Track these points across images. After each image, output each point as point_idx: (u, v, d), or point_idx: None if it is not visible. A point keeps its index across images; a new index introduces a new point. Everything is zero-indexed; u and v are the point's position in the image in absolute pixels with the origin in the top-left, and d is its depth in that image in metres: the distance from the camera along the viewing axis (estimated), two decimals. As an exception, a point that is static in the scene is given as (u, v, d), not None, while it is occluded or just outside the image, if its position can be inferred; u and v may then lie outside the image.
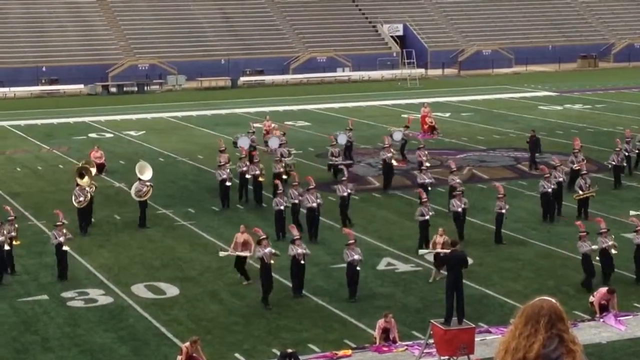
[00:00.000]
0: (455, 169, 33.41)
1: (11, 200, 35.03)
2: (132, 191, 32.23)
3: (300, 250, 24.13)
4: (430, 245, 25.82)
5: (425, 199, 28.85)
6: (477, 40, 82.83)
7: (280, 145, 38.55)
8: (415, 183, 33.94)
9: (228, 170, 34.20)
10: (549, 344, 5.06)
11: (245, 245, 25.67)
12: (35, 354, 21.03)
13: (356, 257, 23.89)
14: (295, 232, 24.73)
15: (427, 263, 25.83)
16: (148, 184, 32.06)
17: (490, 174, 39.02)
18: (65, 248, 26.43)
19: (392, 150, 37.21)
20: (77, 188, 31.67)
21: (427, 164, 36.09)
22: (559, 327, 5.11)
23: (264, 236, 24.21)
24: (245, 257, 25.61)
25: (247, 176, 34.25)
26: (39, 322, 23.04)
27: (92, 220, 31.87)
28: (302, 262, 24.19)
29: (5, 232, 26.49)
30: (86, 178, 32.52)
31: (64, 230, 26.76)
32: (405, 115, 55.07)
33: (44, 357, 20.88)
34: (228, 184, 33.98)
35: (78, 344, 21.57)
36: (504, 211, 29.08)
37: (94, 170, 34.39)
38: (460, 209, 29.27)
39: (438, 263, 25.41)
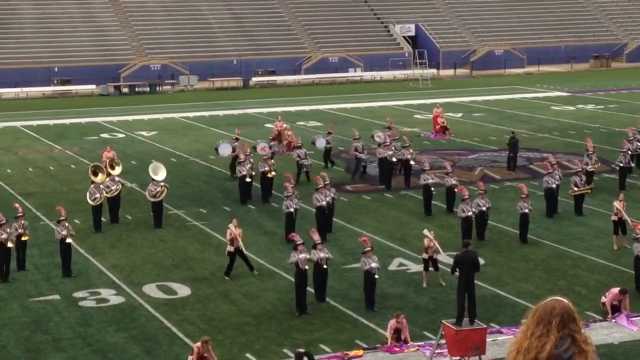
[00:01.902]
0: (451, 171, 33.22)
1: (23, 200, 35.13)
2: (146, 192, 32.32)
3: (322, 255, 23.81)
4: (423, 250, 25.57)
5: (467, 196, 28.82)
6: (489, 41, 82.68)
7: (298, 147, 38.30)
8: (420, 183, 33.71)
9: (249, 167, 34.43)
10: (561, 344, 5.03)
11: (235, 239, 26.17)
12: (47, 354, 21.08)
13: (374, 264, 23.47)
14: (316, 237, 24.34)
15: (440, 264, 25.72)
16: (162, 184, 32.06)
17: (502, 175, 38.94)
18: (68, 240, 26.55)
19: (392, 147, 37.16)
20: (93, 186, 31.73)
21: (412, 162, 36.23)
22: (571, 327, 5.08)
23: (301, 241, 23.76)
24: (235, 252, 26.14)
25: (248, 179, 34.31)
26: (51, 321, 23.09)
27: (117, 220, 32.08)
28: (325, 266, 23.90)
29: (8, 230, 26.44)
30: (100, 175, 32.62)
31: (67, 224, 26.93)
32: (418, 116, 55.05)
33: (55, 356, 20.92)
34: (248, 180, 34.28)
35: (90, 344, 21.61)
36: (527, 211, 29.00)
37: (119, 169, 34.29)
38: (485, 208, 29.21)
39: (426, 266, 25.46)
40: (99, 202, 31.18)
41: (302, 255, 23.38)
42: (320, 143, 40.31)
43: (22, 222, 27.31)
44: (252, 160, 35.38)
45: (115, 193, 32.10)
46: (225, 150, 38.63)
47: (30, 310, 23.95)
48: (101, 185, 31.80)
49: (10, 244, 26.29)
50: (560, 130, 49.06)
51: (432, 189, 32.59)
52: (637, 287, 24.10)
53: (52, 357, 20.91)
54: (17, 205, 28.95)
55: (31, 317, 23.41)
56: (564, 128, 49.92)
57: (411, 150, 37.27)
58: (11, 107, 61.74)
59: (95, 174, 32.78)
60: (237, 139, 38.94)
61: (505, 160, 40.18)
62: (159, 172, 32.89)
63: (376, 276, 23.59)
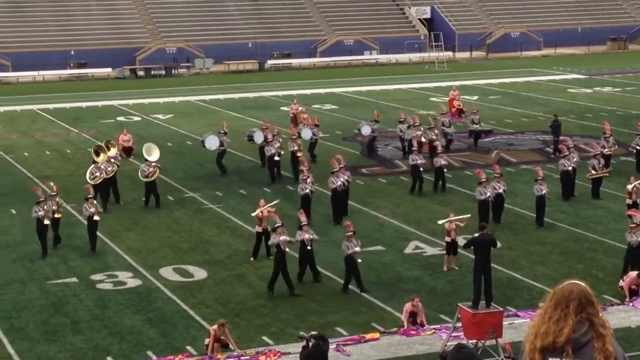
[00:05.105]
0: (441, 151, 33.78)
1: (40, 183, 35.24)
2: (139, 172, 32.72)
3: (307, 236, 24.04)
4: (445, 233, 25.56)
5: (485, 179, 28.85)
6: (505, 23, 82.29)
7: (266, 141, 36.13)
8: (409, 163, 34.01)
9: (277, 145, 34.93)
10: (578, 328, 5.03)
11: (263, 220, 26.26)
12: (65, 336, 21.20)
13: (357, 249, 23.52)
14: (302, 218, 24.63)
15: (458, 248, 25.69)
16: (153, 164, 32.47)
17: (518, 158, 38.84)
18: (96, 218, 27.24)
19: (421, 128, 37.36)
20: (93, 166, 32.48)
21: (423, 139, 36.65)
22: (588, 311, 5.08)
23: (280, 223, 24.06)
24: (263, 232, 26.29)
25: (276, 158, 34.90)
26: (69, 304, 23.21)
27: (118, 200, 32.51)
28: (309, 247, 24.07)
29: (45, 207, 27.32)
30: (102, 155, 33.12)
31: (94, 202, 27.72)
32: (434, 99, 54.91)
33: (73, 339, 21.04)
34: (277, 158, 34.84)
35: (107, 326, 21.72)
36: (543, 193, 28.91)
37: (114, 150, 34.67)
38: (501, 191, 29.17)
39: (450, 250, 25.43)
40: (98, 182, 31.67)
41: (282, 237, 23.57)
42: (306, 134, 38.31)
43: (57, 200, 28.27)
44: (280, 140, 35.83)
45: (111, 174, 32.45)
46: (212, 143, 36.61)
47: (49, 292, 24.09)
48: (102, 165, 32.38)
49: (46, 221, 27.09)
50: (577, 113, 48.83)
51: (421, 169, 32.93)
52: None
53: (70, 339, 21.02)
54: (52, 183, 29.58)
55: (49, 300, 23.54)
56: (581, 111, 49.70)
57: (436, 131, 37.53)
58: (28, 91, 61.92)
59: (98, 154, 33.43)
60: (225, 133, 37.30)
61: (521, 143, 40.01)
62: (153, 153, 33.54)
63: (359, 260, 23.59)
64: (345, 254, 23.59)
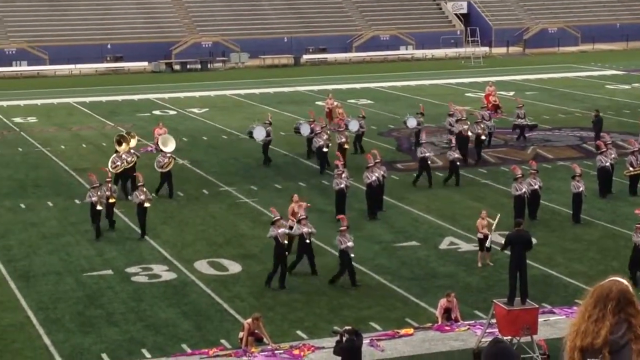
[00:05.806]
0: (454, 145, 34.08)
1: (77, 176, 35.53)
2: (155, 163, 33.04)
3: (306, 229, 24.14)
4: (477, 230, 25.43)
5: (520, 175, 28.70)
6: (542, 18, 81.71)
7: (315, 132, 36.87)
8: (417, 156, 34.25)
9: (325, 137, 35.56)
10: (616, 329, 4.93)
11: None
12: (100, 328, 21.33)
13: (350, 244, 23.47)
14: (302, 212, 24.69)
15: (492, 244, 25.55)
16: (169, 155, 33.00)
17: (555, 154, 38.56)
18: (146, 205, 27.99)
19: (467, 122, 37.30)
20: (115, 155, 33.24)
21: (483, 137, 37.18)
22: (627, 312, 4.98)
23: (278, 217, 24.14)
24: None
25: (325, 149, 35.38)
26: (104, 296, 23.36)
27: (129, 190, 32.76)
28: (308, 241, 24.16)
29: (99, 193, 28.38)
30: (124, 145, 33.63)
31: (144, 189, 28.40)
32: (470, 94, 54.63)
33: (108, 331, 21.17)
34: (325, 150, 35.32)
35: (142, 319, 21.83)
36: (581, 190, 28.68)
37: (134, 141, 35.17)
38: (537, 187, 28.98)
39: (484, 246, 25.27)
40: (119, 170, 32.42)
41: (280, 230, 23.63)
42: (354, 126, 38.77)
43: (110, 185, 29.20)
44: (328, 132, 36.48)
45: (130, 165, 32.81)
46: (260, 134, 37.21)
47: (84, 284, 24.26)
48: (123, 155, 33.04)
49: (99, 207, 28.13)
50: (615, 110, 48.40)
51: (430, 162, 33.32)
52: None
53: (105, 331, 21.16)
54: (105, 169, 30.46)
55: (85, 292, 23.70)
56: (619, 107, 49.26)
57: (482, 126, 37.48)
58: (65, 84, 62.35)
59: (120, 144, 34.06)
60: (270, 123, 37.99)
61: (558, 139, 39.73)
62: (168, 144, 34.24)
63: (352, 255, 23.55)
64: (339, 248, 23.64)
